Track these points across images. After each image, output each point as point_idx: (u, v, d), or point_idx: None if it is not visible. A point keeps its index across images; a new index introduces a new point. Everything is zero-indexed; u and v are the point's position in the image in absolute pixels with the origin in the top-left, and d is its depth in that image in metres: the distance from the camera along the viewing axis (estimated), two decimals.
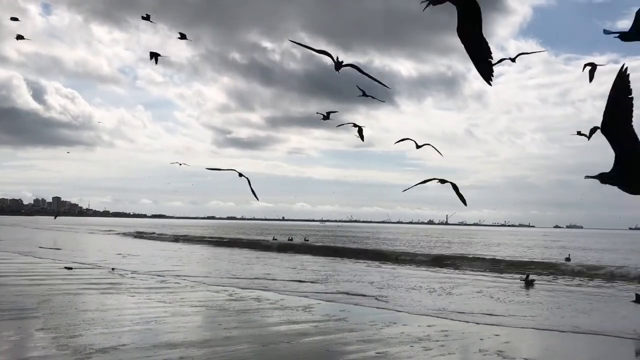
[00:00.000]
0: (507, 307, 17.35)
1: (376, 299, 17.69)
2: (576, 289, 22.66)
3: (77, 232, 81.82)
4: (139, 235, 71.74)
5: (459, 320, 13.89)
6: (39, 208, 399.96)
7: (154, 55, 12.40)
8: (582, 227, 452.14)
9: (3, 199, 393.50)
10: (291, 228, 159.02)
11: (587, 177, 3.70)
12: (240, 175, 11.46)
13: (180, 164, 16.53)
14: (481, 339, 11.70)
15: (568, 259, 40.10)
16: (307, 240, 69.52)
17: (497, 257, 36.72)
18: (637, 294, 31.11)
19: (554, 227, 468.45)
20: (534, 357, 10.69)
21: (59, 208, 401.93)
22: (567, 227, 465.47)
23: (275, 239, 66.20)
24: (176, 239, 60.89)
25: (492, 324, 13.54)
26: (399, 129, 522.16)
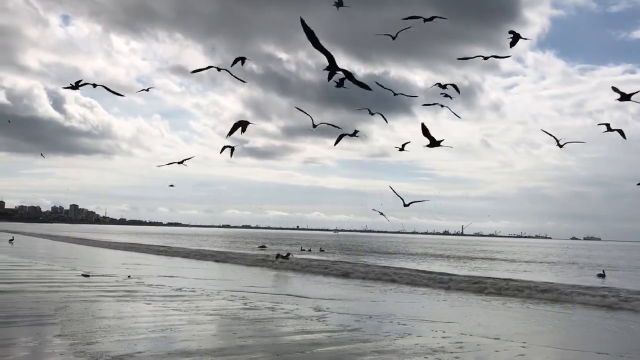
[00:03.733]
0: (526, 326, 17.26)
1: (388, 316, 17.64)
2: (603, 314, 22.36)
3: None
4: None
5: (474, 331, 13.79)
6: (57, 215, 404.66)
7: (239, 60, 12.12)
8: (600, 239, 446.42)
9: (22, 206, 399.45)
10: (303, 238, 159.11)
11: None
12: None
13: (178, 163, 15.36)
14: (496, 351, 11.62)
15: (602, 275, 37.97)
16: (323, 250, 69.50)
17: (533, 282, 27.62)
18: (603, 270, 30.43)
19: (571, 238, 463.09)
20: None
21: (76, 216, 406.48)
22: (585, 238, 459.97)
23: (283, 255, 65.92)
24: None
25: (507, 339, 13.42)
26: (414, 139, 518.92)
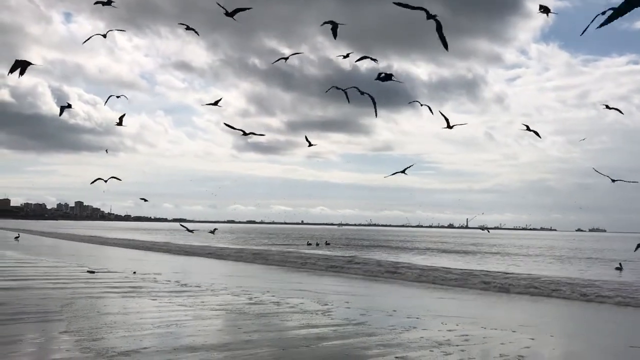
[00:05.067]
0: (536, 320, 17.22)
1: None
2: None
3: None
4: None
5: (479, 324, 13.77)
6: (62, 212, 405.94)
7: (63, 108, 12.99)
8: (605, 231, 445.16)
9: (27, 203, 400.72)
10: (308, 232, 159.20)
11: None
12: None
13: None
14: (502, 344, 11.59)
15: (619, 268, 37.00)
16: (329, 244, 69.77)
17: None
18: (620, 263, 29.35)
19: (576, 230, 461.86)
20: None
21: (81, 212, 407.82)
22: (590, 230, 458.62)
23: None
24: None
25: (515, 332, 13.39)
26: (418, 133, 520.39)
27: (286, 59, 12.55)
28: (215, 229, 25.27)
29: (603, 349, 12.08)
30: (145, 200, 22.11)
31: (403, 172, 12.38)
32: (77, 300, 15.93)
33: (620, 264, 39.17)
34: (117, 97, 14.12)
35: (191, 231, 21.31)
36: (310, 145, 14.01)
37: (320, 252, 48.90)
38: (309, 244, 68.51)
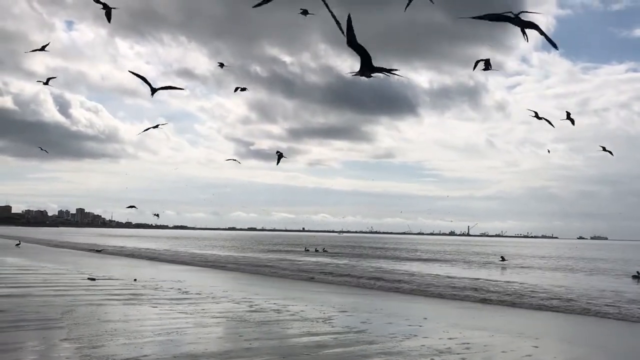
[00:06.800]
0: (539, 330, 17.16)
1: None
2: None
3: None
4: None
5: (480, 332, 13.73)
6: (64, 219, 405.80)
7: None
8: (606, 238, 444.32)
9: (28, 210, 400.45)
10: (309, 240, 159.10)
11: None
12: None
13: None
14: (503, 352, 11.56)
15: (637, 277, 36.28)
16: (326, 251, 69.80)
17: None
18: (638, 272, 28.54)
19: (578, 238, 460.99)
20: None
21: (82, 220, 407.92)
22: (592, 238, 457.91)
23: None
24: None
25: (514, 336, 13.35)
26: (419, 140, 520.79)
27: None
28: (133, 206, 25.74)
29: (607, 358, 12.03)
30: (135, 207, 22.29)
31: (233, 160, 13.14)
32: (78, 308, 15.91)
33: (638, 272, 38.09)
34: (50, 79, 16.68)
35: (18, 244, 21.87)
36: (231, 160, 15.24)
37: (322, 259, 48.85)
38: (306, 250, 68.88)
